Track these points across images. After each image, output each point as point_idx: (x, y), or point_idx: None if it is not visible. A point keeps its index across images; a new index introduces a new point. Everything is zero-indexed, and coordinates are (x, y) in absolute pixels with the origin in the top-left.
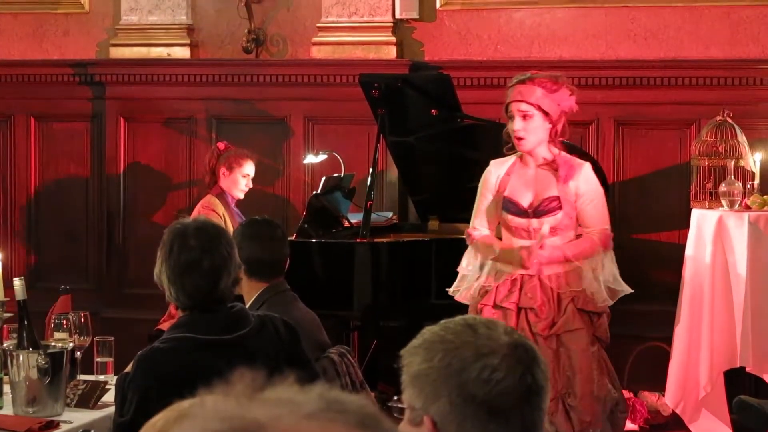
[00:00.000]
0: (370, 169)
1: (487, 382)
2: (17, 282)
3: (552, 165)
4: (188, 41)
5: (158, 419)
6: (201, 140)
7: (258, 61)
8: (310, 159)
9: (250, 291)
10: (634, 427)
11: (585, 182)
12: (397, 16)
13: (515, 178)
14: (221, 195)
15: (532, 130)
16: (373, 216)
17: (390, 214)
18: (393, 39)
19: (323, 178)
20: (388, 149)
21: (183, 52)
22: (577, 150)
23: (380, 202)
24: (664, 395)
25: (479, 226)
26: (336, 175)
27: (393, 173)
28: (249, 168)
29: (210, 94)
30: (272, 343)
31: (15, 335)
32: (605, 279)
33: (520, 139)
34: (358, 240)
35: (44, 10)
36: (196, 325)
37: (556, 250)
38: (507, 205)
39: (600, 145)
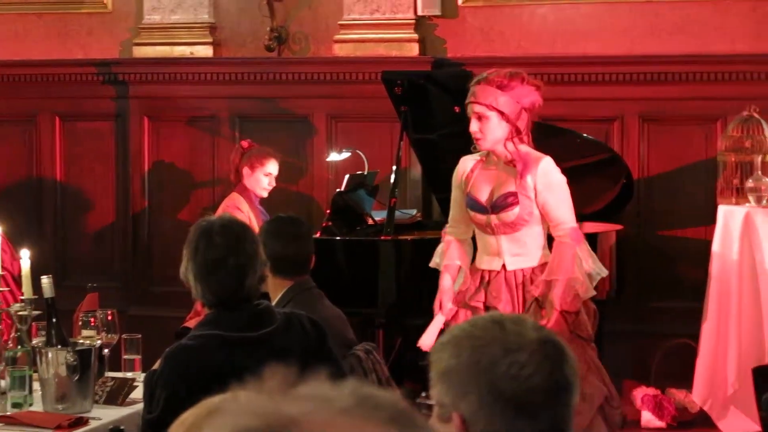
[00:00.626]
0: (394, 167)
1: (515, 378)
2: (45, 280)
3: (513, 162)
4: (211, 40)
5: (188, 416)
6: (224, 139)
7: (280, 59)
8: (334, 157)
9: (275, 288)
10: (662, 424)
11: (543, 176)
12: (419, 12)
13: (478, 175)
14: (245, 193)
15: (488, 131)
16: (396, 213)
17: (414, 212)
18: (415, 36)
19: (347, 176)
20: (411, 146)
21: (205, 51)
22: (601, 146)
23: (404, 200)
24: (691, 392)
25: (450, 224)
26: (359, 172)
27: (416, 170)
28: (272, 167)
29: (233, 93)
30: (299, 340)
31: (43, 333)
32: (586, 270)
33: (477, 139)
34: (382, 237)
35: (68, 10)
36: (223, 322)
37: (560, 289)
38: (469, 201)
39: (625, 142)
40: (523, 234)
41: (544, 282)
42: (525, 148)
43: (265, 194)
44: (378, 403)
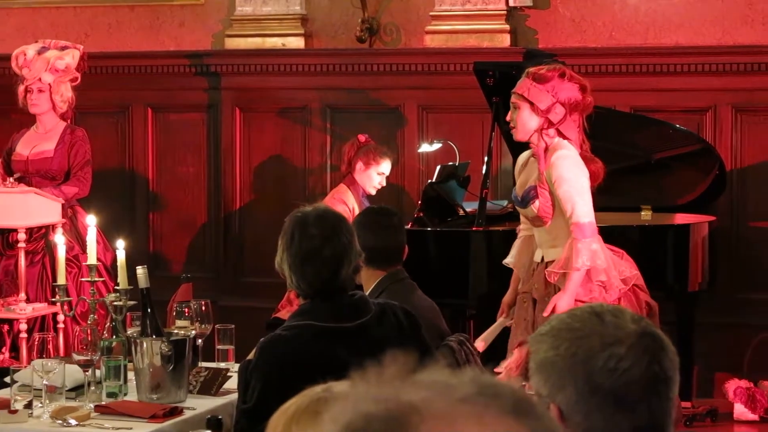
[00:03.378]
0: (485, 158)
1: (613, 371)
2: (140, 270)
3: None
4: (302, 31)
5: (290, 404)
6: (315, 129)
7: (372, 51)
8: (425, 148)
9: (368, 279)
10: (754, 417)
11: (554, 170)
12: (511, 3)
13: (525, 169)
14: (354, 186)
15: (520, 121)
16: (488, 204)
17: (505, 203)
18: (507, 27)
19: (438, 167)
20: (502, 137)
21: (297, 42)
22: (694, 137)
23: (495, 191)
24: None
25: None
26: (451, 163)
27: (508, 161)
28: (386, 166)
29: (324, 84)
30: (393, 330)
31: (138, 323)
32: (577, 266)
33: (511, 128)
34: (473, 228)
35: (160, 2)
36: (318, 312)
37: (572, 283)
38: (513, 195)
39: (717, 132)
40: (553, 226)
41: (554, 273)
42: (557, 142)
43: (373, 192)
44: (498, 391)
